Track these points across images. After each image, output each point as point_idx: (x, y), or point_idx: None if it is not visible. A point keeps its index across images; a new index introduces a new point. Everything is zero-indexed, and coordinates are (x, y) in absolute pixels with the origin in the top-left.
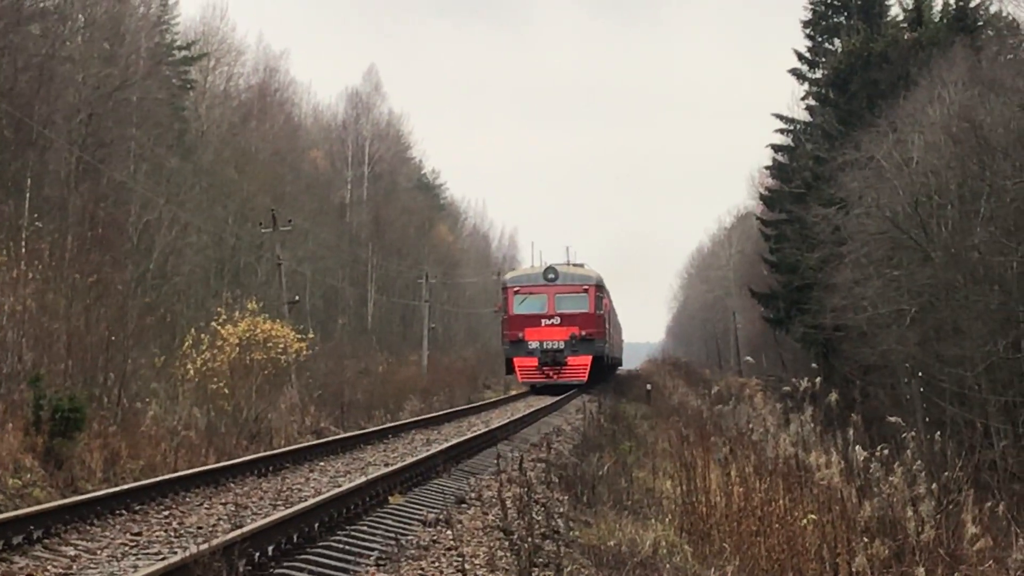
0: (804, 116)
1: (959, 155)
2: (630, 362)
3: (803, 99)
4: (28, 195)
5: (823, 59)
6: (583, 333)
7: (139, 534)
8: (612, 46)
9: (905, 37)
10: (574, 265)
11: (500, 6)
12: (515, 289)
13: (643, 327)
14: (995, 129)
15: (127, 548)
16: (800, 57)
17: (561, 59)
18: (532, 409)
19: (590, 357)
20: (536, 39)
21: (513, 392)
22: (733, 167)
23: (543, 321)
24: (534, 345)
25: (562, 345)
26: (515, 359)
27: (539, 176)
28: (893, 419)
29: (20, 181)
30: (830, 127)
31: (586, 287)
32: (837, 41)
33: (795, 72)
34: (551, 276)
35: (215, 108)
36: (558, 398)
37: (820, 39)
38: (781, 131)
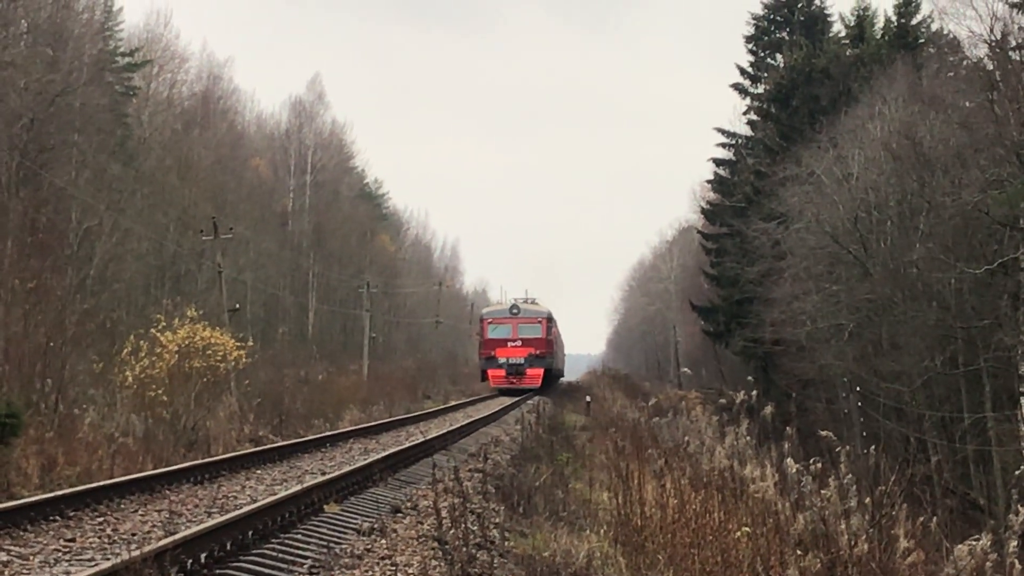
0: (746, 131)
1: (899, 171)
2: (571, 373)
3: (745, 114)
4: None
5: (765, 74)
6: (537, 352)
7: (72, 540)
8: (569, 57)
9: (847, 53)
10: (531, 302)
11: (459, 14)
12: (488, 320)
13: (584, 339)
14: (935, 146)
15: (60, 554)
16: (742, 72)
17: (517, 69)
18: (471, 419)
19: (542, 369)
20: (492, 50)
21: (453, 402)
22: (676, 180)
23: (509, 343)
24: (502, 360)
25: (522, 360)
26: (488, 370)
27: (483, 186)
28: (825, 433)
29: None
30: (771, 142)
31: (540, 319)
32: (779, 56)
33: (737, 87)
34: (515, 311)
35: (158, 115)
36: (514, 400)
37: (762, 54)
38: (723, 145)
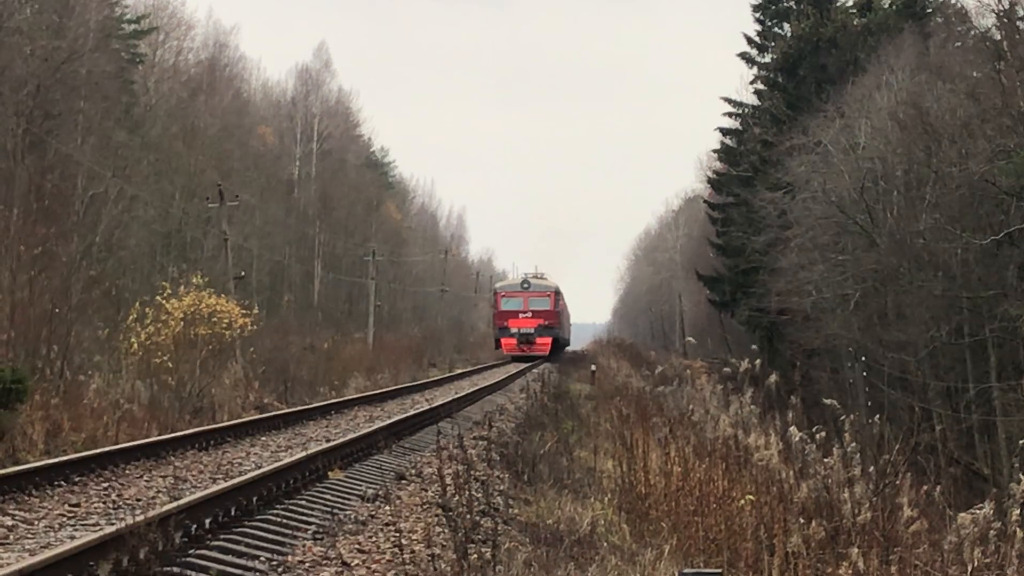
0: (753, 100)
1: (905, 141)
2: (577, 343)
3: (752, 83)
4: None
5: (772, 43)
6: (546, 323)
7: (77, 505)
8: (578, 26)
9: (854, 23)
10: (540, 277)
11: None
12: (502, 294)
13: (590, 308)
14: (941, 116)
15: (64, 519)
16: (749, 41)
17: (524, 38)
18: (476, 388)
19: (550, 338)
20: (499, 18)
21: (458, 371)
22: (683, 150)
23: (520, 314)
24: (514, 330)
25: (532, 330)
26: (502, 339)
27: (490, 155)
28: (829, 402)
29: None
30: (778, 111)
31: (548, 293)
32: (787, 26)
33: (744, 56)
34: (526, 285)
35: (164, 82)
36: (519, 368)
37: (770, 23)
38: (730, 115)
